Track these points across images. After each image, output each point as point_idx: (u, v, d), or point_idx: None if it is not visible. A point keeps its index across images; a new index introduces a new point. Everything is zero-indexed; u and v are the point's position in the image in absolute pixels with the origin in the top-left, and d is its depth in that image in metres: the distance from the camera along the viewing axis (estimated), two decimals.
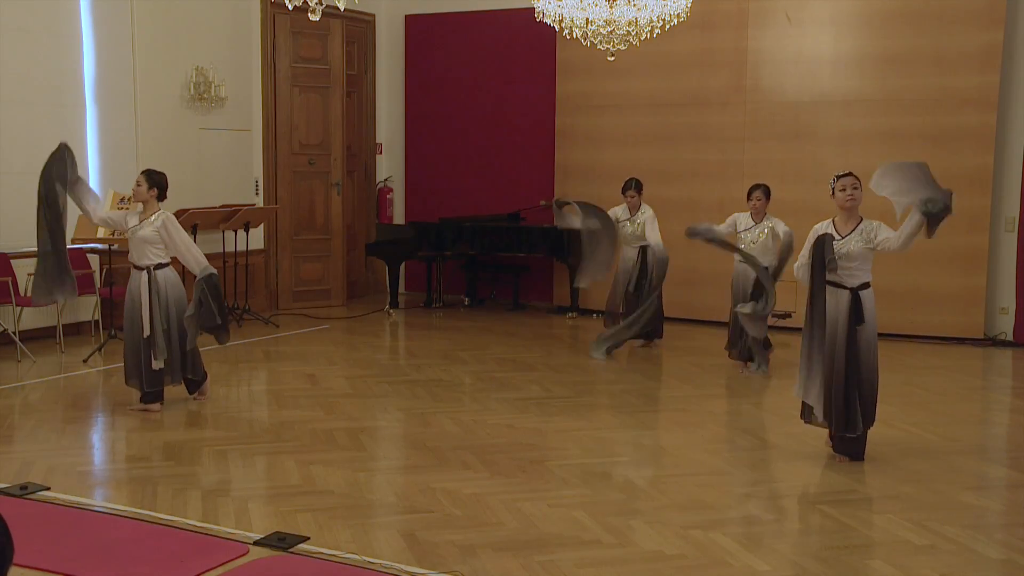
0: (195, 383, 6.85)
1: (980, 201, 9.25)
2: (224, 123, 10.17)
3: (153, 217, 6.50)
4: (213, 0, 10.01)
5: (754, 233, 7.71)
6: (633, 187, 8.57)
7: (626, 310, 8.61)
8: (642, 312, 8.36)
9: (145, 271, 6.50)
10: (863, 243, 5.49)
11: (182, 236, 6.55)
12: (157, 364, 6.47)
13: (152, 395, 6.57)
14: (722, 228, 7.65)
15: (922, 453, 5.84)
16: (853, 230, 5.52)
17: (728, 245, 7.09)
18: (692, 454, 5.90)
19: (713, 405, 7.09)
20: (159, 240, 6.49)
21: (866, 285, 5.54)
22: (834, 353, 5.53)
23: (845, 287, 5.52)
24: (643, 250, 8.56)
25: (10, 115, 8.61)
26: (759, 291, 7.04)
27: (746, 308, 6.81)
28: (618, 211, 8.60)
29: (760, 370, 7.75)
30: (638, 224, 8.55)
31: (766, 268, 6.99)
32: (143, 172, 6.60)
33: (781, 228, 7.56)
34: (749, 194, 7.84)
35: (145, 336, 6.46)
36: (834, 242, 5.47)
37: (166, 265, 6.56)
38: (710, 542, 4.41)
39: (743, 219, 7.82)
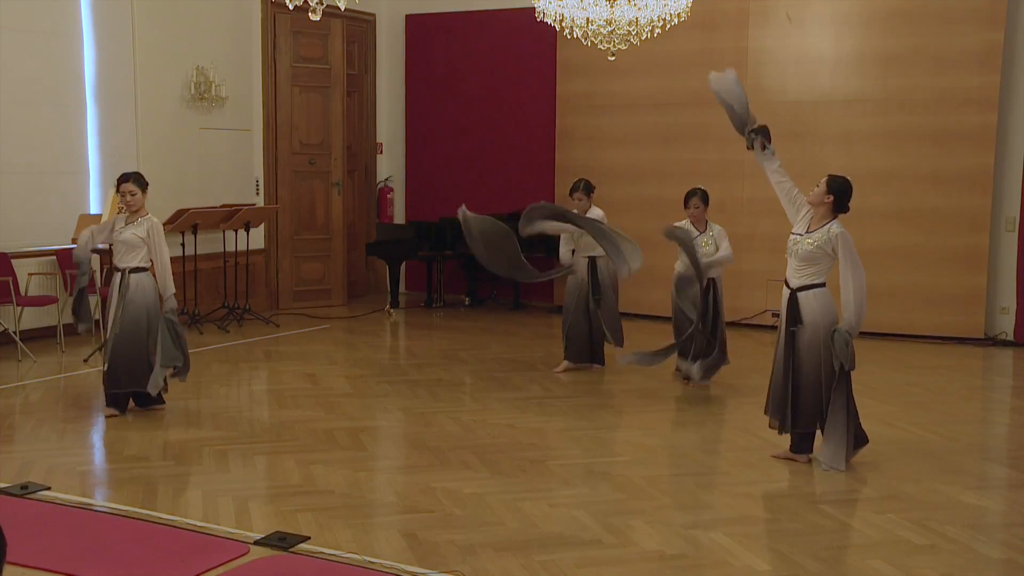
0: (144, 397, 6.53)
1: (980, 201, 9.26)
2: (225, 123, 10.17)
3: (140, 220, 6.37)
4: (214, 0, 10.02)
5: (698, 244, 7.14)
6: (581, 188, 7.79)
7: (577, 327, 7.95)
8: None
9: (120, 274, 6.36)
10: (814, 245, 5.41)
11: (165, 249, 6.41)
12: (103, 366, 6.31)
13: (114, 398, 6.43)
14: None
15: (923, 453, 5.84)
16: (816, 229, 5.47)
17: (695, 261, 6.81)
18: (692, 454, 5.90)
19: (713, 405, 7.09)
20: (141, 244, 6.34)
21: (809, 287, 5.45)
22: (776, 351, 5.60)
23: (788, 286, 5.53)
24: (592, 262, 7.81)
25: (11, 115, 8.61)
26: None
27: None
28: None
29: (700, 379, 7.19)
30: None
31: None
32: (130, 180, 6.36)
33: (724, 248, 7.28)
34: (686, 201, 7.36)
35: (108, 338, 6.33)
36: (796, 235, 5.50)
37: (143, 270, 6.38)
38: (710, 542, 4.41)
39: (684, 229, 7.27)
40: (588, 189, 7.84)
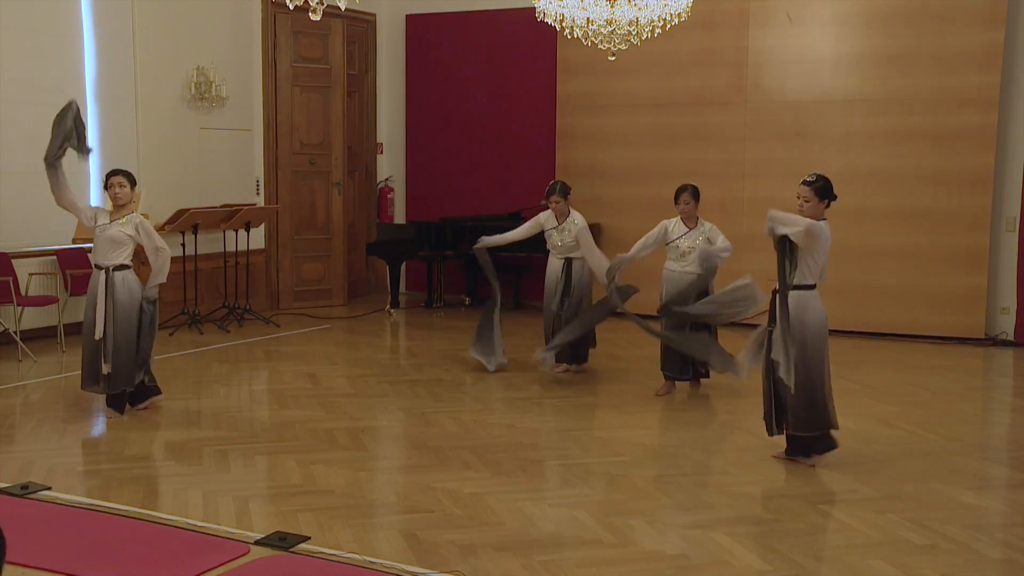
0: (138, 395, 6.53)
1: (981, 201, 9.26)
2: (225, 123, 10.17)
3: (125, 219, 6.32)
4: (214, 0, 10.02)
5: (690, 240, 7.03)
6: (558, 191, 7.62)
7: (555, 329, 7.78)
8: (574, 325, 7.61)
9: (104, 271, 6.29)
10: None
11: (162, 240, 6.42)
12: (106, 368, 6.27)
13: (114, 399, 6.42)
14: (652, 235, 7.10)
15: (923, 453, 5.84)
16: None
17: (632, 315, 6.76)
18: (692, 453, 5.90)
19: (714, 404, 7.09)
20: (129, 242, 6.31)
21: (793, 288, 5.45)
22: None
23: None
24: (568, 263, 7.72)
25: (11, 115, 8.61)
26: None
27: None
28: (543, 218, 7.81)
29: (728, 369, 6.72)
30: (566, 233, 7.67)
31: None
32: (120, 173, 6.33)
33: (719, 239, 6.98)
34: (676, 198, 7.07)
35: (96, 339, 6.28)
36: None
37: (127, 267, 6.35)
38: (710, 542, 4.41)
39: (674, 226, 7.13)
40: (564, 191, 7.68)
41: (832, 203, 5.53)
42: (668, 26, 7.61)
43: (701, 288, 6.74)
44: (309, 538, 4.36)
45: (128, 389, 6.44)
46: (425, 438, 6.06)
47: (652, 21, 7.54)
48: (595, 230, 10.08)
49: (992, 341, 9.36)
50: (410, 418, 6.60)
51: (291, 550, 4.24)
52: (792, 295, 5.42)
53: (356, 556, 4.17)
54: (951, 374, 8.12)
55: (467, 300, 11.40)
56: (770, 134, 9.95)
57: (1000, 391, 7.85)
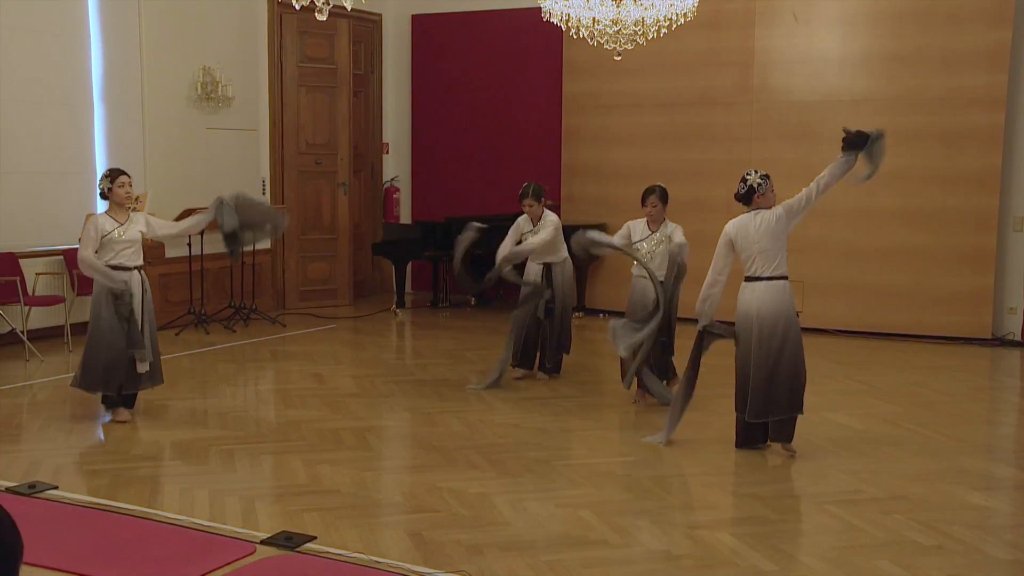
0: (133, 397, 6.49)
1: (988, 201, 9.23)
2: (231, 123, 10.18)
3: (132, 216, 6.29)
4: (220, 0, 10.03)
5: (651, 243, 6.77)
6: (530, 195, 7.37)
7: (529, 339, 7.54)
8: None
9: (136, 271, 6.25)
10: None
11: (159, 220, 6.51)
12: (143, 367, 6.26)
13: (127, 398, 6.43)
14: (615, 239, 6.82)
15: (929, 453, 5.83)
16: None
17: (627, 252, 6.55)
18: (698, 454, 5.90)
19: (719, 404, 7.07)
20: (140, 239, 6.30)
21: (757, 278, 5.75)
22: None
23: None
24: (548, 269, 7.44)
25: (18, 115, 8.63)
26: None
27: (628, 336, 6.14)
28: (520, 222, 7.54)
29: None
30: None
31: (663, 283, 6.29)
32: (122, 172, 6.28)
33: (678, 237, 6.69)
34: (643, 199, 6.81)
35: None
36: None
37: (141, 266, 6.36)
38: (716, 542, 4.40)
39: (638, 228, 6.84)
40: (537, 194, 7.39)
41: (743, 202, 5.84)
42: (674, 26, 7.60)
43: (669, 292, 6.42)
44: (315, 538, 4.37)
45: (159, 384, 6.48)
46: (431, 438, 6.07)
47: (658, 21, 7.53)
48: (600, 230, 10.07)
49: (999, 341, 9.34)
50: (416, 418, 6.61)
51: (297, 550, 4.24)
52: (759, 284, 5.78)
53: (362, 556, 4.18)
54: (958, 374, 8.10)
55: (473, 300, 11.40)
56: (776, 134, 9.93)
57: (1007, 391, 7.84)
